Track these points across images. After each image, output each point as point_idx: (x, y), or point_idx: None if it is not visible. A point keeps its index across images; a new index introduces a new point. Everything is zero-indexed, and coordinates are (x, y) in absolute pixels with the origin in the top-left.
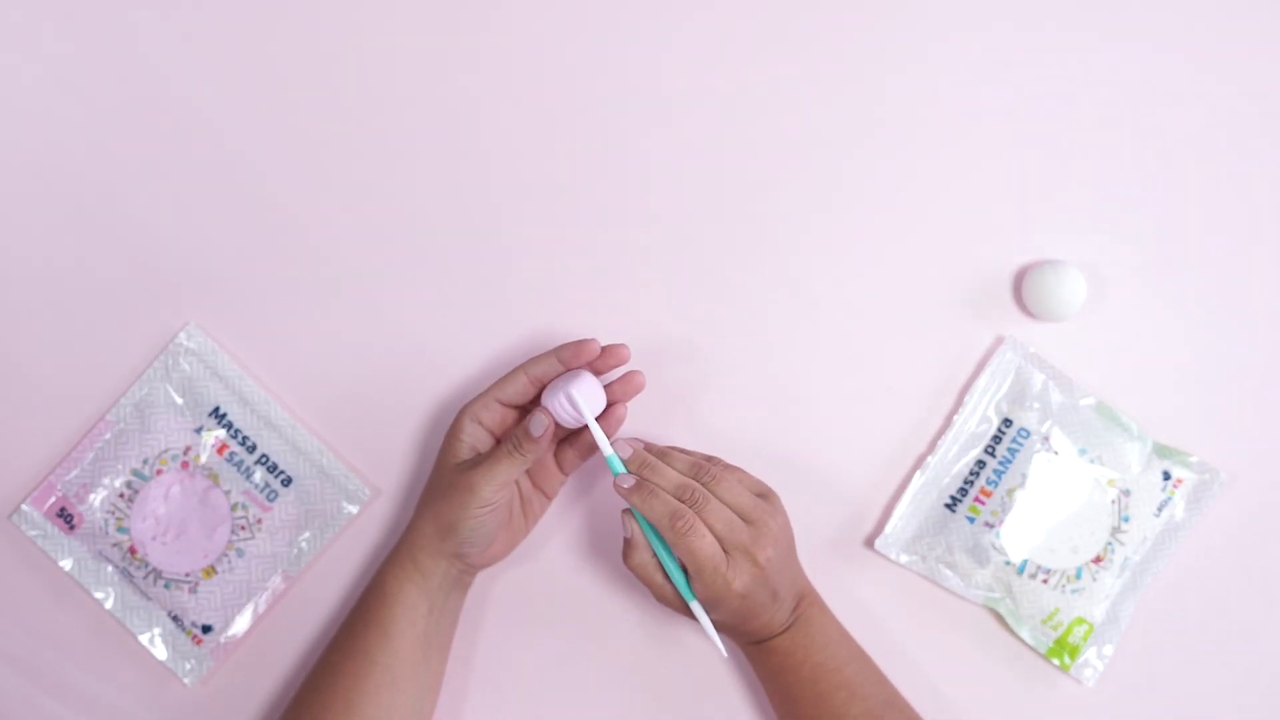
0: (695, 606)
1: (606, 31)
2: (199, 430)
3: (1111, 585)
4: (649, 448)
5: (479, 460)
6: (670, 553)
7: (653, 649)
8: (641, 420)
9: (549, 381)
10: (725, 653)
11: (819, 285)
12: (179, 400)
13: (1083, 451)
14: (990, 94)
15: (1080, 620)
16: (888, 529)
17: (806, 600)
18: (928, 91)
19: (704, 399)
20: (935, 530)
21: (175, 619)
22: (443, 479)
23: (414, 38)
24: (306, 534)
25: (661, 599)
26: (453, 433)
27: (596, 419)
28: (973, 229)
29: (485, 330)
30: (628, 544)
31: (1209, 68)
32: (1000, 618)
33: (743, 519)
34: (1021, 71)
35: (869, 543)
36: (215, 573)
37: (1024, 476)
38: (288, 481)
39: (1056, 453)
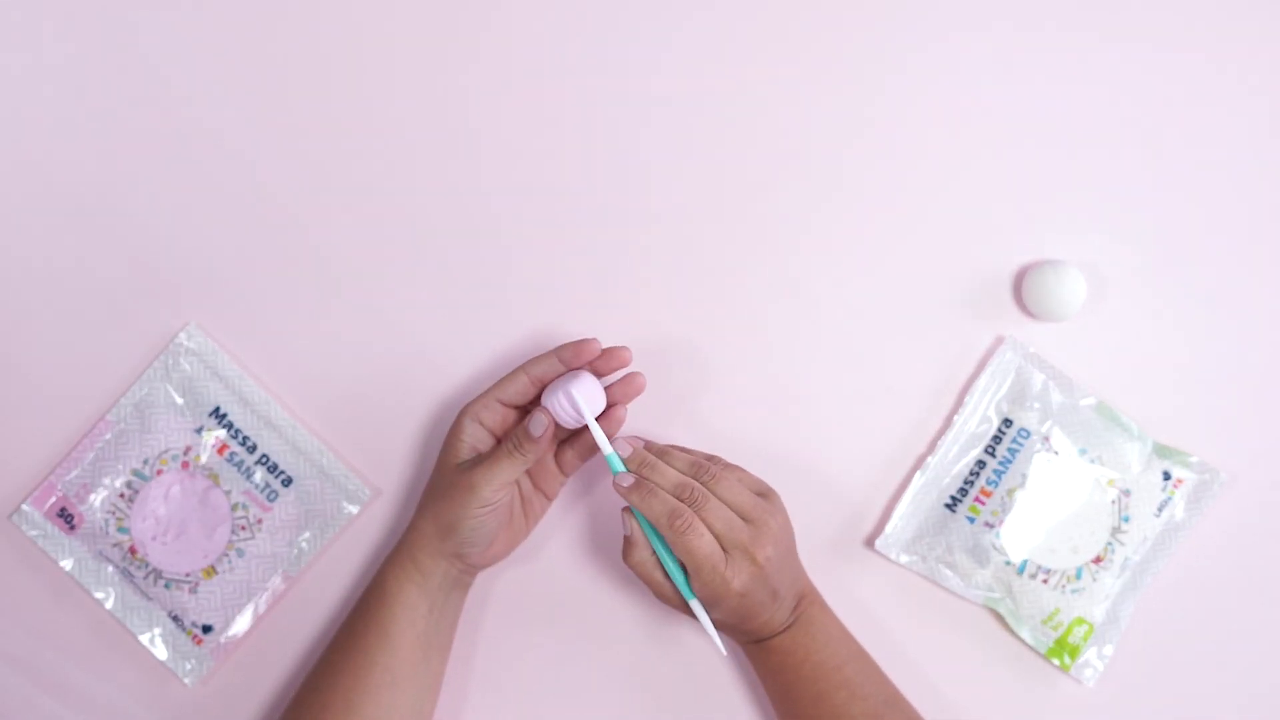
0: (695, 605)
1: (606, 31)
2: (199, 430)
3: (1111, 585)
4: (649, 446)
5: (479, 460)
6: (670, 551)
7: (653, 649)
8: (642, 420)
9: (550, 381)
10: (725, 651)
11: (819, 285)
12: (179, 400)
13: (1083, 451)
14: (990, 94)
15: (1080, 620)
16: (888, 529)
17: (807, 599)
18: (928, 91)
19: (704, 399)
20: (935, 530)
21: (175, 619)
22: (443, 479)
23: (414, 37)
24: (306, 534)
25: (661, 597)
26: (453, 433)
27: (596, 420)
28: (973, 229)
29: (485, 330)
30: (627, 542)
31: (1209, 68)
32: (1000, 618)
33: (742, 518)
34: (1021, 71)
35: (869, 543)
36: (215, 573)
37: (1024, 476)
38: (288, 481)
39: (1057, 453)
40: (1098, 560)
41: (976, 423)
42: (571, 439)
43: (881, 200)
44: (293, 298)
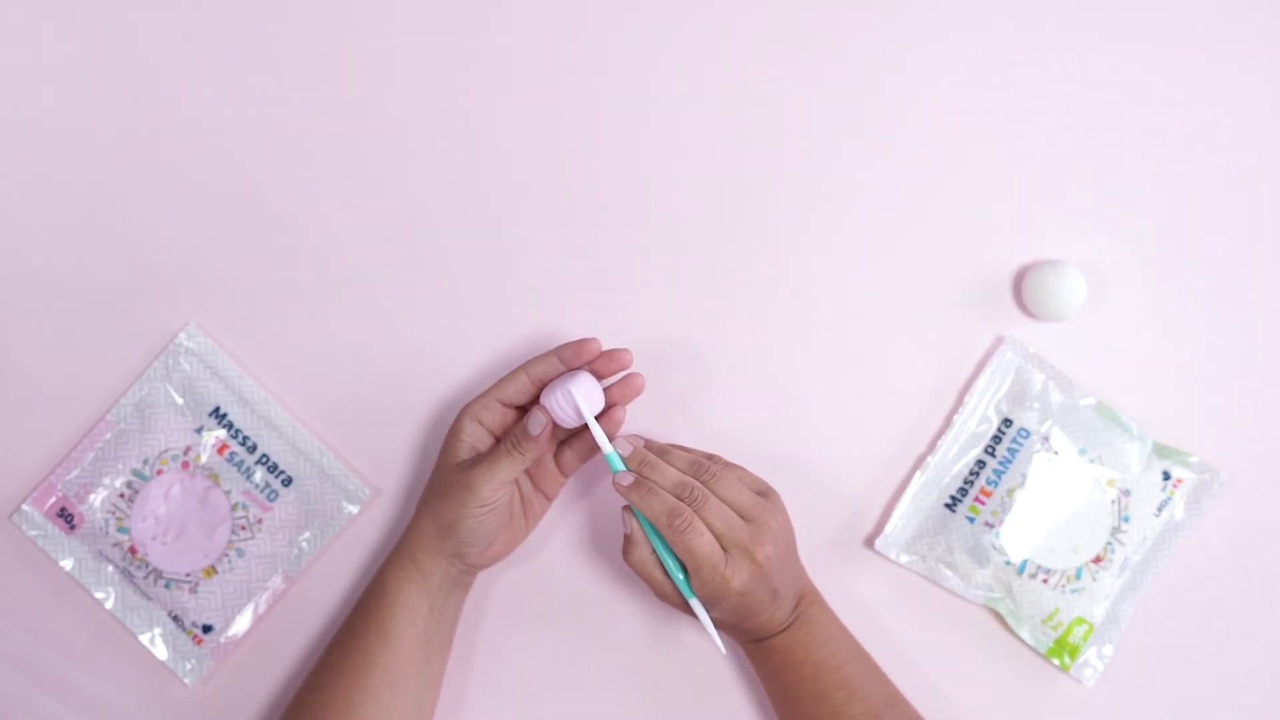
0: (695, 604)
1: (606, 31)
2: (199, 430)
3: (1111, 585)
4: (649, 445)
5: (479, 460)
6: (670, 550)
7: (653, 649)
8: (642, 420)
9: (550, 381)
10: (724, 650)
11: (819, 285)
12: (179, 400)
13: (1083, 451)
14: (990, 94)
15: (1080, 620)
16: (888, 529)
17: (807, 599)
18: (928, 91)
19: (704, 399)
20: (935, 530)
21: (175, 619)
22: (443, 479)
23: (414, 37)
24: (307, 534)
25: (661, 596)
26: (453, 433)
27: (596, 420)
28: (973, 229)
29: (485, 330)
30: (627, 541)
31: (1209, 68)
32: (1000, 618)
33: (742, 517)
34: (1021, 71)
35: (869, 543)
36: (215, 573)
37: (1024, 476)
38: (288, 481)
39: (1056, 453)
40: (1098, 560)
41: (976, 422)
42: (571, 440)
43: (881, 200)
44: (293, 298)
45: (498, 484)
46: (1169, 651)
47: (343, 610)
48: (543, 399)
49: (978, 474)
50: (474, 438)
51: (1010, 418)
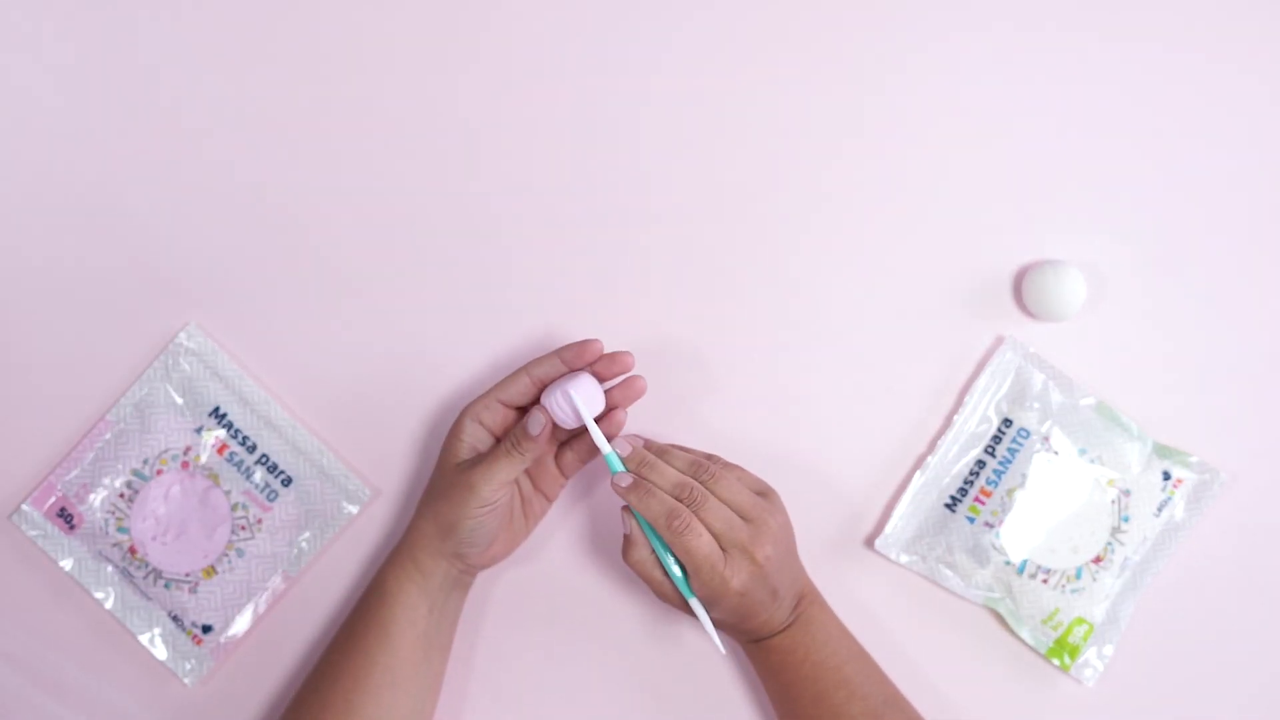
0: (694, 604)
1: (606, 31)
2: (199, 430)
3: (1111, 585)
4: (648, 445)
5: (479, 460)
6: (669, 550)
7: (653, 649)
8: (642, 420)
9: (551, 382)
10: (724, 650)
11: (819, 285)
12: (179, 400)
13: (1083, 451)
14: (990, 94)
15: (1080, 620)
16: (888, 529)
17: (807, 599)
18: (928, 91)
19: (704, 399)
20: (935, 530)
21: (175, 619)
22: (443, 479)
23: (414, 37)
24: (306, 534)
25: (661, 596)
26: (454, 433)
27: (596, 422)
28: (973, 229)
29: (486, 331)
30: (627, 541)
31: (1209, 68)
32: (1000, 618)
33: (742, 517)
34: (1021, 71)
35: (869, 543)
36: (215, 573)
37: (1024, 476)
38: (288, 481)
39: (1056, 453)
40: (1098, 560)
41: (976, 423)
42: (572, 441)
43: (882, 200)
44: (293, 297)
45: (498, 484)
46: (1169, 651)
47: (343, 610)
48: (543, 399)
49: (978, 474)
50: (474, 438)
51: (1010, 418)
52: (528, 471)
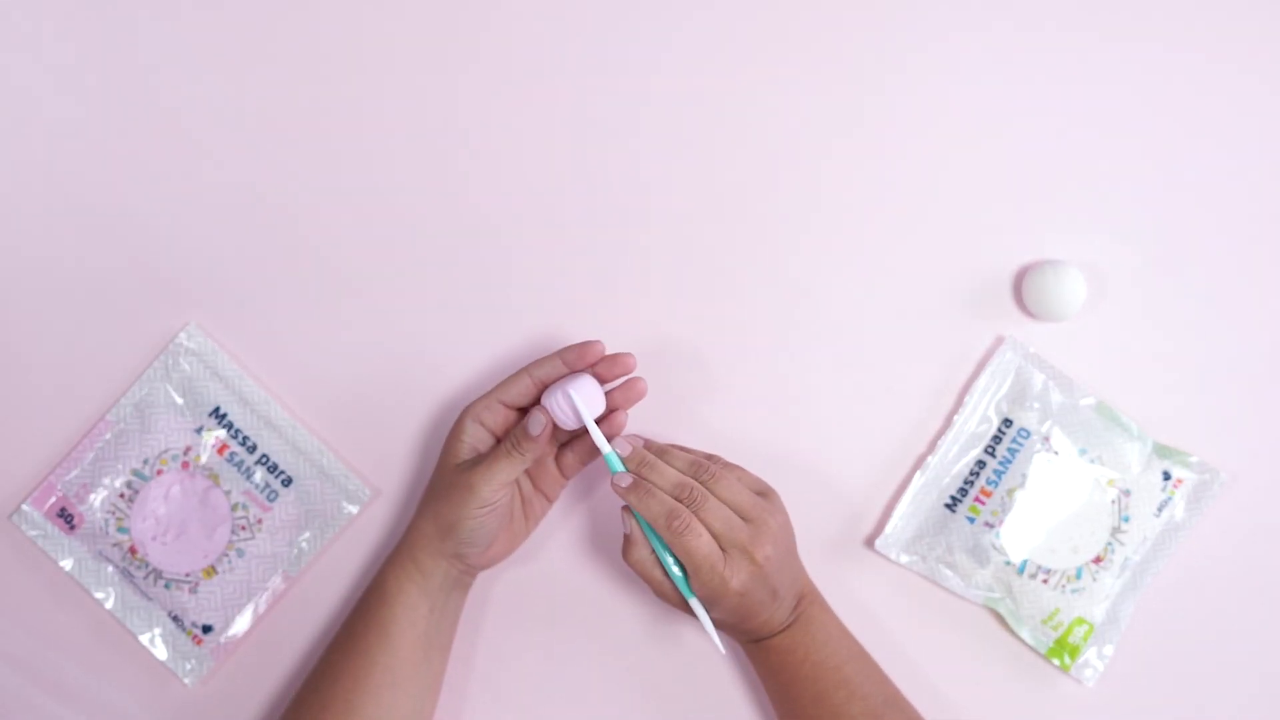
0: (694, 604)
1: (606, 32)
2: (199, 430)
3: (1111, 585)
4: (648, 445)
5: (479, 460)
6: (669, 550)
7: (653, 649)
8: (642, 420)
9: (552, 383)
10: (724, 650)
11: (819, 285)
12: (179, 400)
13: (1083, 451)
14: (990, 94)
15: (1080, 620)
16: (888, 529)
17: (807, 599)
18: (928, 91)
19: (704, 399)
20: (935, 530)
21: (175, 619)
22: (443, 479)
23: (414, 37)
24: (307, 534)
25: (661, 596)
26: (454, 433)
27: (596, 423)
28: (973, 229)
29: (486, 331)
30: (627, 540)
31: (1209, 67)
32: (1000, 618)
33: (742, 517)
34: (1021, 71)
35: (869, 543)
36: (215, 573)
37: (1024, 476)
38: (288, 481)
39: (1056, 453)
40: (1098, 560)
41: (976, 423)
42: (573, 442)
43: (882, 200)
44: (293, 298)
45: (498, 484)
46: (1169, 651)
47: (343, 610)
48: (543, 400)
49: (978, 474)
50: (475, 438)
51: (1010, 418)
52: (528, 472)
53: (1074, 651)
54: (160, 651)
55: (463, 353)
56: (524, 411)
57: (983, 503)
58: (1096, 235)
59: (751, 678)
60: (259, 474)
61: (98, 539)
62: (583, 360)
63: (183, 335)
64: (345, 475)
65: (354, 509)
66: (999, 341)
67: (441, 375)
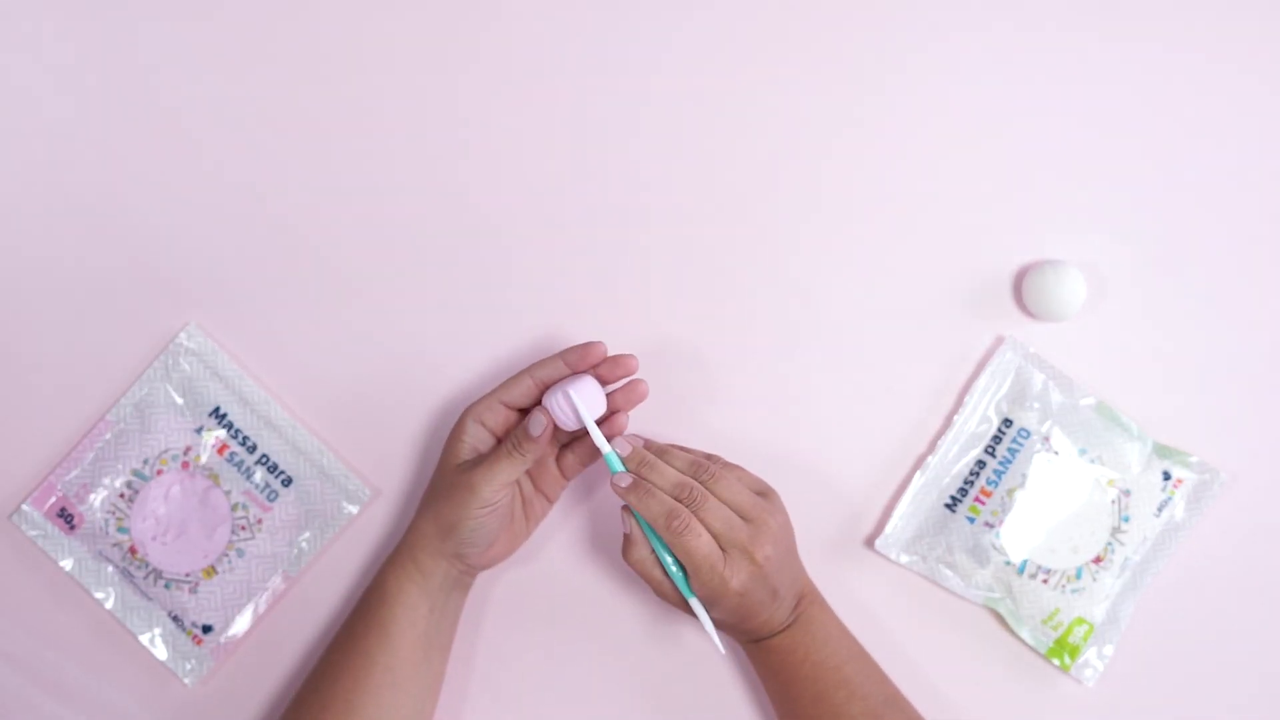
0: (694, 604)
1: (606, 32)
2: (199, 430)
3: (1111, 585)
4: (648, 445)
5: (480, 461)
6: (669, 550)
7: (653, 649)
8: (642, 420)
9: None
10: (724, 650)
11: (819, 285)
12: (179, 400)
13: (1083, 451)
14: (990, 94)
15: (1080, 620)
16: (888, 529)
17: (807, 599)
18: (928, 92)
19: (704, 399)
20: (935, 530)
21: (175, 619)
22: (444, 479)
23: (414, 37)
24: (307, 534)
25: (661, 595)
26: (455, 433)
27: (597, 425)
28: (973, 229)
29: (486, 331)
30: (627, 540)
31: (1209, 68)
32: (1000, 618)
33: (741, 517)
34: (1021, 71)
35: (869, 543)
36: (215, 573)
37: (1024, 476)
38: (288, 481)
39: (1057, 453)
40: (1098, 560)
41: (976, 423)
42: (573, 443)
43: (882, 200)
44: (293, 297)
45: (498, 485)
46: (1169, 651)
47: (343, 610)
48: (544, 401)
49: (978, 474)
50: (476, 439)
51: (1010, 418)
52: (529, 473)
53: (1074, 651)
54: (160, 651)
55: (463, 353)
56: (525, 412)
57: (983, 503)
58: (1096, 235)
59: (751, 678)
60: (259, 474)
61: (98, 539)
62: (584, 361)
63: (183, 335)
64: (345, 475)
65: (354, 509)
66: (999, 341)
67: (441, 375)
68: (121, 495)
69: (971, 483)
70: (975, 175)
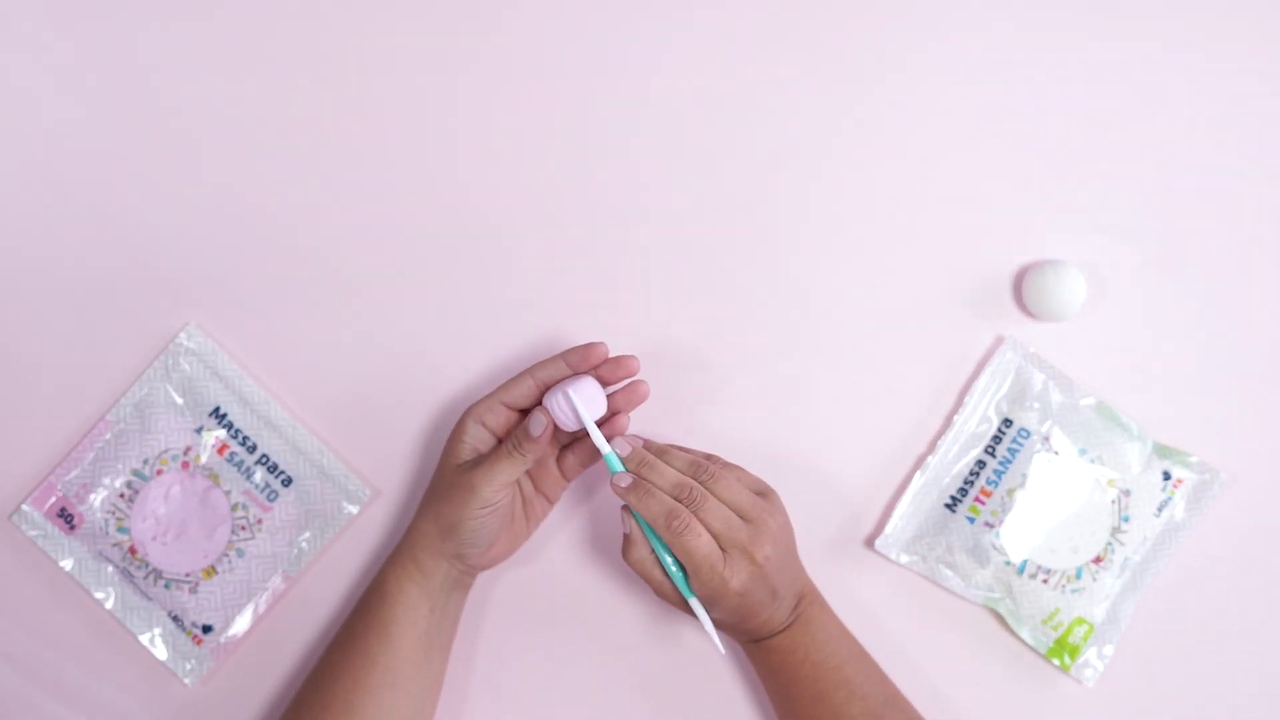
0: (694, 604)
1: (607, 32)
2: (199, 430)
3: (1111, 585)
4: (648, 445)
5: (480, 461)
6: (668, 550)
7: (653, 649)
8: (642, 420)
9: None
10: (723, 650)
11: (819, 285)
12: (179, 400)
13: (1083, 451)
14: (990, 94)
15: (1080, 620)
16: (888, 529)
17: (807, 599)
18: (928, 91)
19: (704, 399)
20: (935, 530)
21: (175, 619)
22: (444, 479)
23: (414, 38)
24: (307, 534)
25: (661, 595)
26: (456, 434)
27: (598, 426)
28: (973, 229)
29: (486, 331)
30: (627, 540)
31: (1209, 68)
32: (1000, 618)
33: (741, 517)
34: (1021, 71)
35: (869, 543)
36: (215, 573)
37: (1024, 476)
38: (288, 481)
39: (1057, 453)
40: (1098, 560)
41: (976, 423)
42: (574, 444)
43: (882, 200)
44: (293, 298)
45: (499, 485)
46: (1169, 651)
47: (343, 610)
48: (544, 401)
49: (978, 474)
50: (476, 439)
51: (1010, 418)
52: (529, 473)
53: (1074, 651)
54: (160, 651)
55: (463, 353)
56: (525, 413)
57: (983, 503)
58: (1096, 235)
59: (751, 678)
60: (259, 474)
61: (98, 539)
62: (586, 362)
63: (183, 335)
64: (345, 475)
65: (354, 509)
66: (999, 341)
67: (441, 375)
68: (121, 495)
69: (971, 483)
70: (975, 175)
